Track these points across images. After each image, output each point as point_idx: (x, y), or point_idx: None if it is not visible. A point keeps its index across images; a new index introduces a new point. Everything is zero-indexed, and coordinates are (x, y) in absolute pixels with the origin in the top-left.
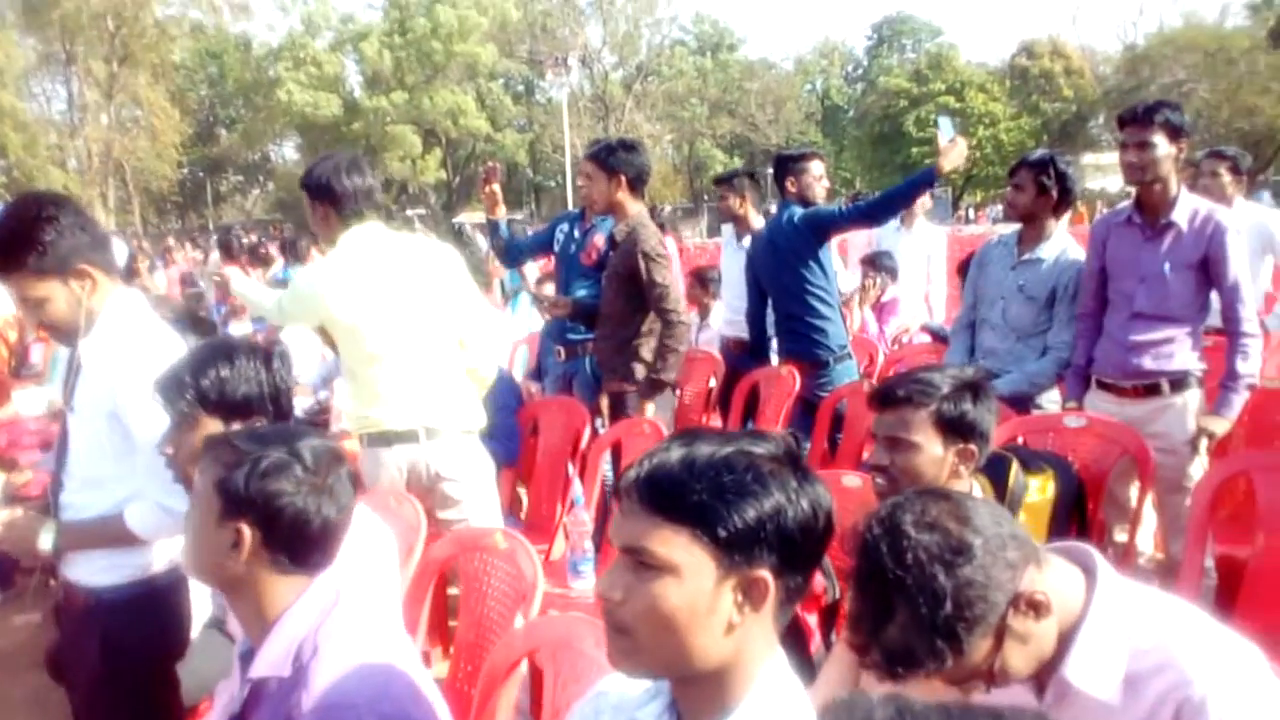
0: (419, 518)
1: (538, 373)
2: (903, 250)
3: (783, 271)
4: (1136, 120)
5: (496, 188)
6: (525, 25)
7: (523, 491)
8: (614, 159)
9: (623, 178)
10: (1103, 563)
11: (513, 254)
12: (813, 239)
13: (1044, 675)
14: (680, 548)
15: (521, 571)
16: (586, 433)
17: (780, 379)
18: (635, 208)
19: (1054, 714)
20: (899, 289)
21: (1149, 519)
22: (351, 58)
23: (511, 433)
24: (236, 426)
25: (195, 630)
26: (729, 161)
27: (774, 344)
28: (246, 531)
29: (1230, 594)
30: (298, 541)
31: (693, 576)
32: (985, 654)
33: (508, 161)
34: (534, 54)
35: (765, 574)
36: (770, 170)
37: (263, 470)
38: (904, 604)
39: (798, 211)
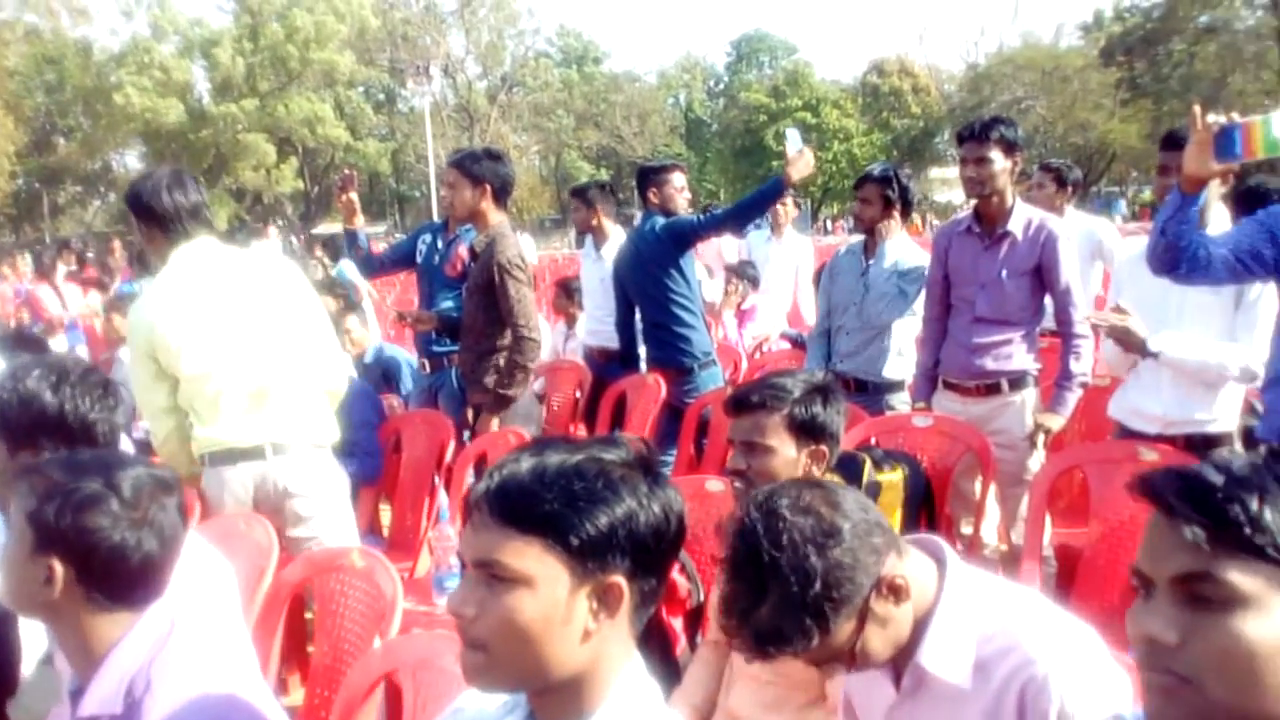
0: (270, 539)
1: (397, 386)
2: (773, 259)
3: (646, 280)
4: (974, 137)
5: (354, 196)
6: (385, 33)
7: (386, 508)
8: (478, 167)
9: (488, 187)
10: (952, 554)
11: (373, 265)
12: (674, 248)
13: (900, 662)
14: (533, 558)
15: (380, 590)
16: (451, 446)
17: (646, 387)
18: (497, 218)
19: (910, 700)
20: (760, 297)
21: (993, 512)
22: (200, 64)
23: (373, 449)
24: (24, 454)
25: (29, 666)
26: (596, 173)
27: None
28: (59, 567)
29: (1068, 579)
30: (115, 578)
31: (547, 587)
32: (848, 635)
33: (369, 171)
34: (395, 62)
35: (619, 579)
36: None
37: (75, 503)
38: (777, 584)
39: (659, 221)
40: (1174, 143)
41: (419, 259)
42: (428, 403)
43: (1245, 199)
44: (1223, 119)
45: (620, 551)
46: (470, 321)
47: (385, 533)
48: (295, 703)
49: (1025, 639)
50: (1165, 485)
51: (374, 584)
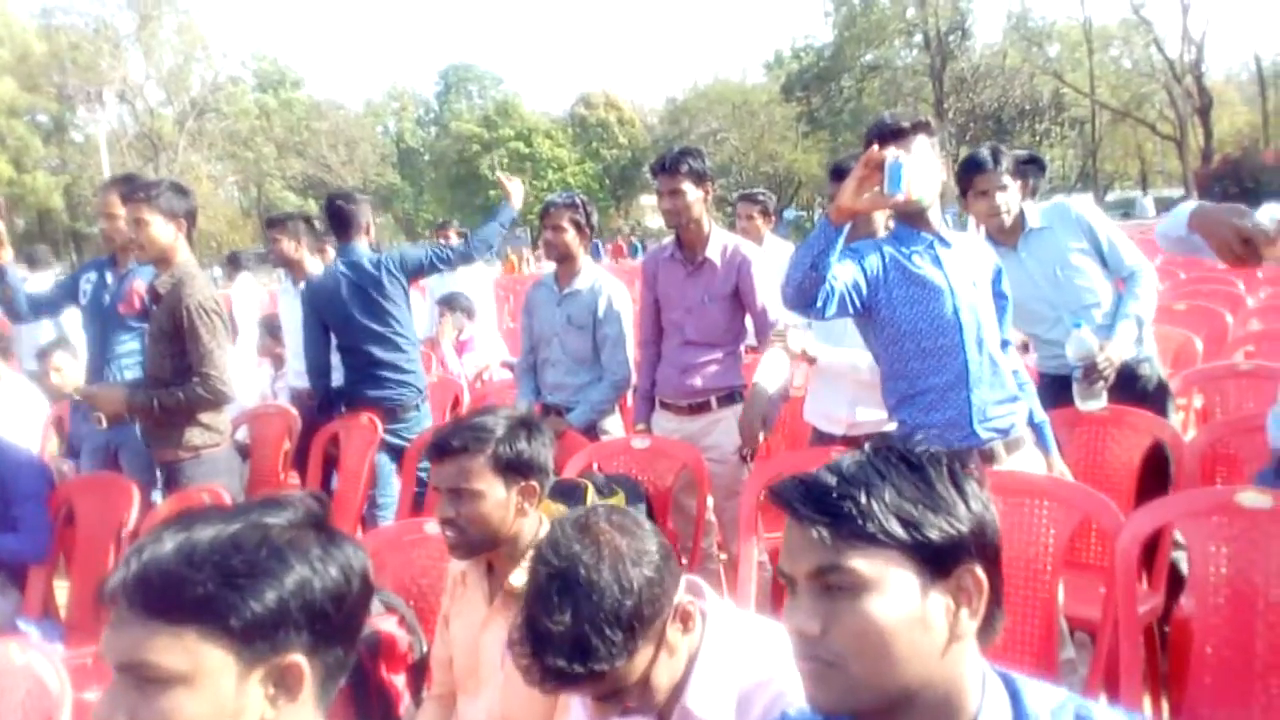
0: None
1: (72, 449)
2: (473, 288)
3: (368, 315)
4: (665, 170)
5: (0, 226)
6: (50, 57)
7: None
8: (174, 202)
9: (183, 223)
10: (711, 592)
11: (29, 306)
12: (403, 281)
13: (666, 709)
14: (187, 652)
15: (45, 687)
16: (134, 511)
17: (360, 428)
18: (184, 256)
19: None
20: (475, 327)
21: (714, 524)
22: None
23: (40, 523)
24: None
25: None
26: (303, 203)
27: None
28: None
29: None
30: None
31: (208, 681)
32: (645, 662)
33: (40, 208)
34: (63, 88)
35: (297, 657)
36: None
37: None
38: (594, 597)
39: (393, 254)
40: (840, 175)
41: (83, 299)
42: (106, 462)
43: None
44: (899, 152)
45: (294, 626)
46: (155, 371)
47: (63, 614)
48: None
49: (779, 671)
50: (791, 492)
51: (38, 681)
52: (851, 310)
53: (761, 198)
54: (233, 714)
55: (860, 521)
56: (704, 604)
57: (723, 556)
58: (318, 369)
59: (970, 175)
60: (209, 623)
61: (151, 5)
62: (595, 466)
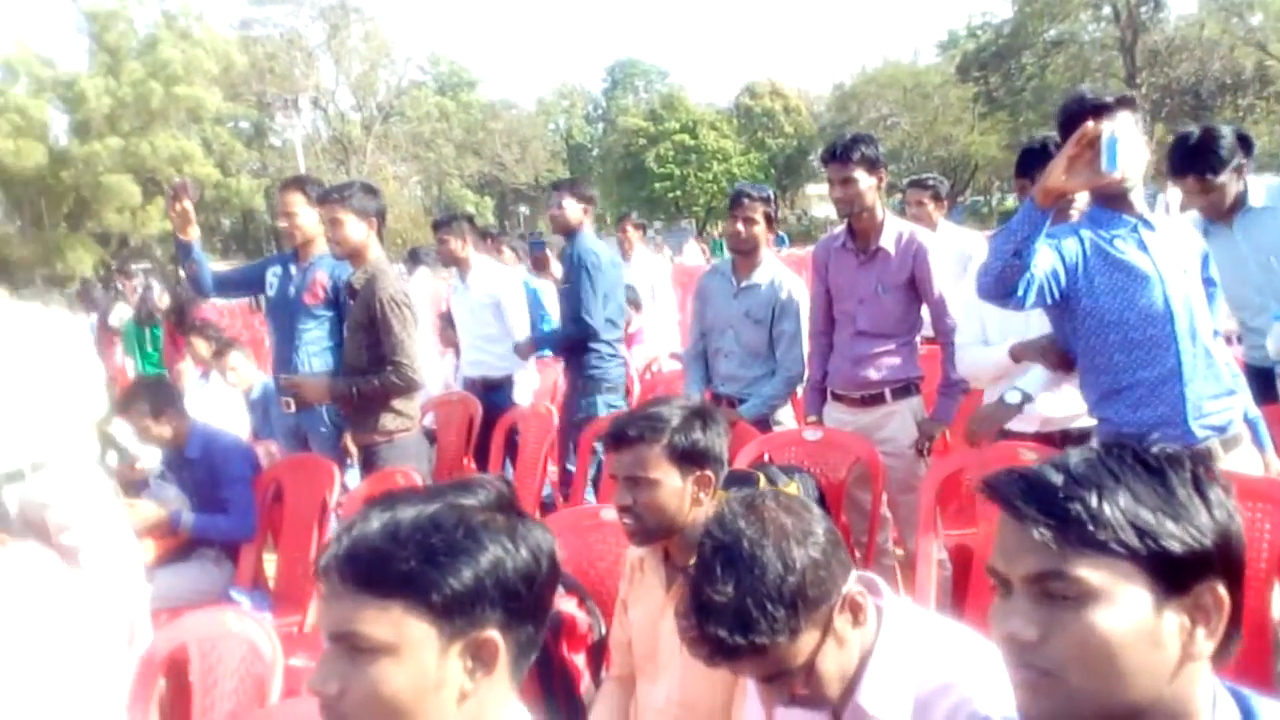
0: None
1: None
2: (649, 280)
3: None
4: (836, 158)
5: (188, 205)
6: (250, 67)
7: (271, 560)
8: (366, 202)
9: (374, 221)
10: (888, 590)
11: (214, 284)
12: None
13: (840, 705)
14: (394, 624)
15: (259, 653)
16: (336, 489)
17: (539, 417)
18: (376, 253)
19: None
20: (643, 319)
21: (889, 519)
22: (57, 105)
23: (246, 505)
24: None
25: None
26: (479, 201)
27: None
28: None
29: (966, 580)
30: None
31: (413, 652)
32: (811, 647)
33: (244, 208)
34: (262, 96)
35: (492, 633)
36: (524, 209)
37: None
38: (756, 571)
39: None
40: (1031, 157)
41: (270, 292)
42: (297, 444)
43: None
44: (1114, 126)
45: (489, 603)
46: (353, 361)
47: (272, 585)
48: None
49: (963, 676)
50: (1009, 488)
51: (252, 647)
52: (1050, 300)
53: (932, 182)
54: (435, 684)
55: (1090, 527)
56: (880, 601)
57: (898, 553)
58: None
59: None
60: (412, 597)
61: (340, 15)
62: (766, 457)
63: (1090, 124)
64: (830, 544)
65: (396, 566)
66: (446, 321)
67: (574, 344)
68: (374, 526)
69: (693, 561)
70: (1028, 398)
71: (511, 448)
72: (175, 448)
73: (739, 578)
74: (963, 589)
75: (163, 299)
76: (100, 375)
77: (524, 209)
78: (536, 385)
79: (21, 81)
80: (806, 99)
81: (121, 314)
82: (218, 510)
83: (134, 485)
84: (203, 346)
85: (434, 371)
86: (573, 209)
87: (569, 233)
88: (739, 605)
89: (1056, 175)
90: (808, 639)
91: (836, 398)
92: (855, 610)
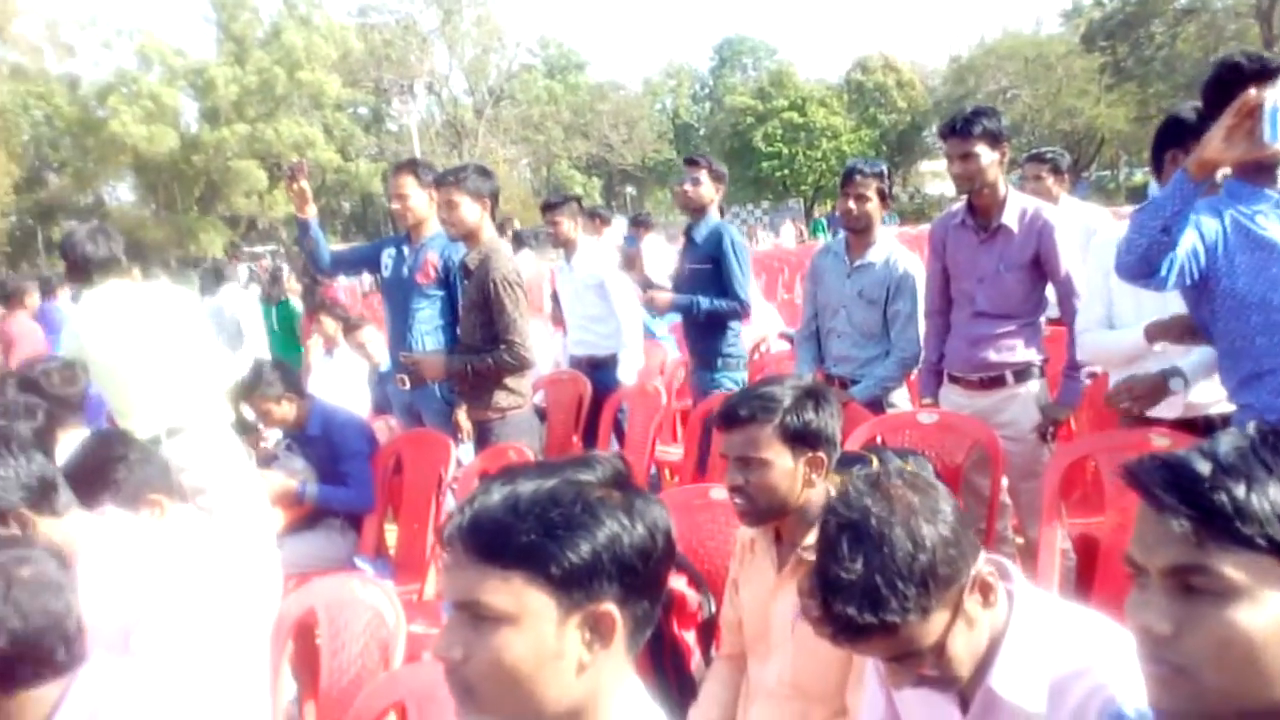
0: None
1: (379, 409)
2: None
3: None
4: (956, 133)
5: (305, 184)
6: (368, 54)
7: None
8: (480, 184)
9: (488, 202)
10: (1019, 573)
11: (331, 261)
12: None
13: (969, 687)
14: (515, 594)
15: (383, 618)
16: (452, 463)
17: (647, 395)
18: (489, 234)
19: None
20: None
21: (1008, 506)
22: (187, 92)
23: (365, 478)
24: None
25: None
26: (587, 182)
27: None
28: None
29: (1089, 570)
30: None
31: (533, 622)
32: (940, 627)
33: (362, 192)
34: (379, 82)
35: (610, 607)
36: (631, 189)
37: None
38: (885, 548)
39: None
40: (1177, 128)
41: (385, 273)
42: (412, 420)
43: None
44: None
45: (607, 577)
46: (468, 339)
47: (392, 554)
48: None
49: (1099, 662)
50: (1151, 475)
51: (377, 613)
52: (1189, 280)
53: (1051, 156)
54: (554, 654)
55: (1236, 520)
56: (1010, 585)
57: (1018, 541)
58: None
59: None
60: (532, 569)
61: (453, 0)
62: (879, 440)
63: (1252, 92)
64: (959, 523)
65: (517, 539)
66: (555, 301)
67: (717, 319)
68: (495, 499)
69: (813, 540)
70: (1188, 383)
71: (619, 427)
72: (296, 427)
73: (867, 555)
74: (1087, 580)
75: (290, 280)
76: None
77: (630, 189)
78: (641, 365)
79: (155, 70)
80: (921, 72)
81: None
82: (339, 483)
83: (264, 458)
84: (330, 324)
85: (544, 350)
86: (708, 187)
87: (700, 211)
88: (869, 583)
89: (1215, 146)
90: (938, 619)
91: (954, 380)
92: (985, 591)
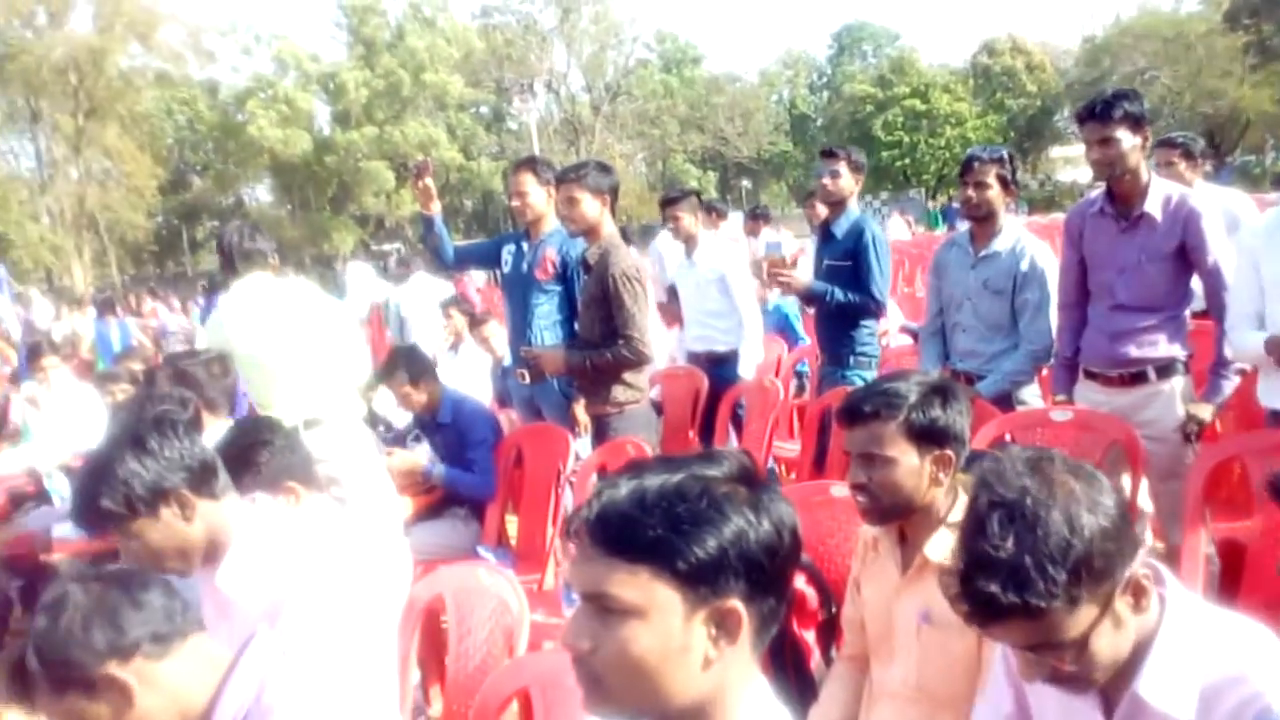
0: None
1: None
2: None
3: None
4: (1095, 117)
5: (430, 181)
6: (490, 54)
7: (512, 521)
8: (600, 180)
9: (608, 198)
10: (1171, 577)
11: (454, 254)
12: None
13: (1114, 691)
14: (641, 588)
15: (507, 606)
16: (571, 457)
17: (765, 391)
18: (609, 229)
19: None
20: None
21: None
22: (320, 96)
23: (488, 466)
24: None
25: None
26: (702, 176)
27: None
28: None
29: (1234, 577)
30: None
31: (660, 616)
32: (1088, 622)
33: (483, 190)
34: (500, 82)
35: (736, 603)
36: (746, 183)
37: None
38: (1038, 530)
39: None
40: None
41: (505, 269)
42: (531, 414)
43: None
44: None
45: (733, 574)
46: (587, 334)
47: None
48: (437, 715)
49: (1255, 670)
50: None
51: (501, 601)
52: None
53: (1182, 140)
54: (680, 648)
55: None
56: (1164, 590)
57: (1158, 546)
58: None
59: None
60: (659, 563)
61: None
62: (1009, 439)
63: None
64: (1121, 517)
65: (644, 533)
66: (671, 296)
67: (850, 313)
68: (622, 493)
69: (939, 559)
70: None
71: (736, 422)
72: (429, 413)
73: (1020, 535)
74: (1232, 587)
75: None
76: (362, 344)
77: (746, 182)
78: (761, 360)
79: (290, 75)
80: (1052, 54)
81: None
82: (464, 469)
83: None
84: (459, 319)
85: (658, 345)
86: (847, 179)
87: (840, 204)
88: (1017, 563)
89: None
90: (1085, 613)
91: (1090, 376)
92: (1139, 594)
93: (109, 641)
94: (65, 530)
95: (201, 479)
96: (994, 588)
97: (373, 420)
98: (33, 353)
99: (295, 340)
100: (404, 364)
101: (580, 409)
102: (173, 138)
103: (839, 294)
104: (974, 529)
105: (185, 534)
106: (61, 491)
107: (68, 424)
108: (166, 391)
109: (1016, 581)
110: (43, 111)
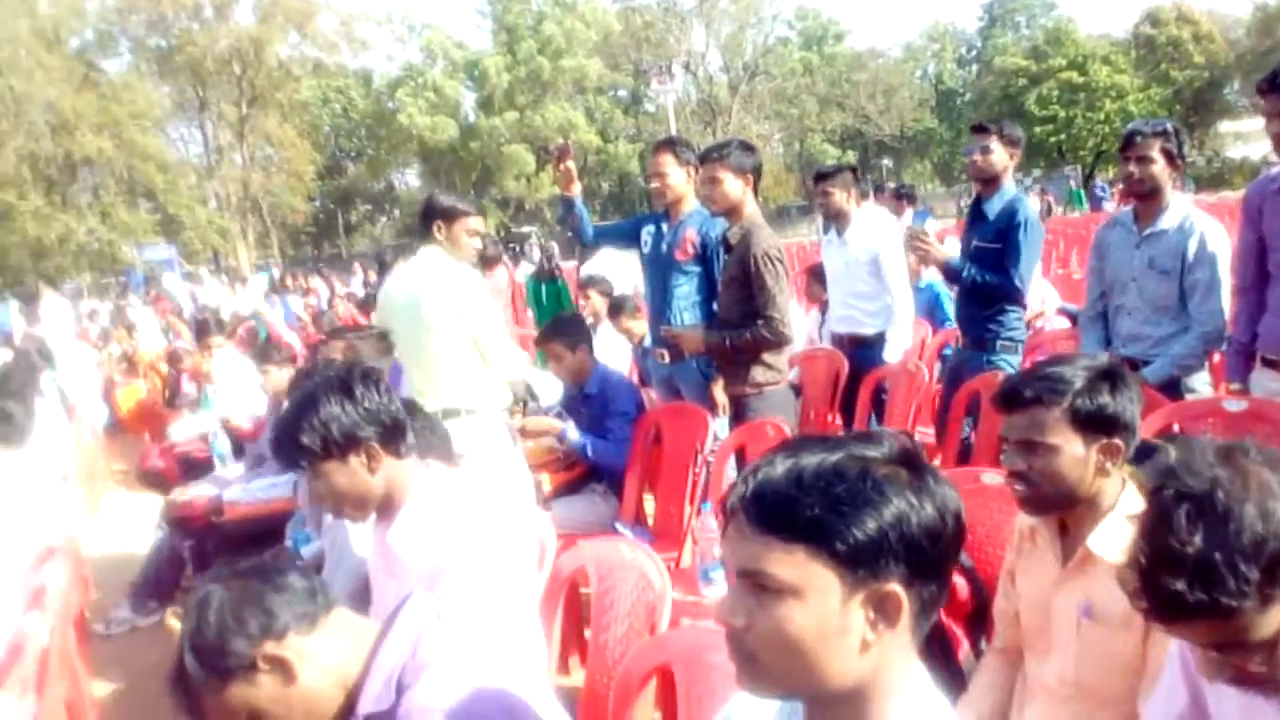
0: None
1: (641, 380)
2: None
3: None
4: (1277, 89)
5: (571, 164)
6: (628, 37)
7: (649, 500)
8: (744, 160)
9: (750, 178)
10: None
11: (593, 234)
12: None
13: None
14: (798, 567)
15: (650, 583)
16: (709, 437)
17: (908, 375)
18: (751, 209)
19: None
20: None
21: None
22: (465, 84)
23: (624, 436)
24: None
25: None
26: (841, 155)
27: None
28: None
29: None
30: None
31: (816, 596)
32: (1278, 624)
33: (620, 171)
34: (638, 64)
35: (895, 587)
36: (887, 161)
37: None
38: (1230, 524)
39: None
40: None
41: (645, 250)
42: (669, 393)
43: None
44: None
45: (893, 557)
46: (726, 314)
47: (650, 523)
48: (575, 683)
49: None
50: None
51: (643, 576)
52: None
53: None
54: (837, 631)
55: None
56: None
57: None
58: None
59: None
60: (816, 543)
61: None
62: (1177, 429)
63: None
64: None
65: (801, 512)
66: (813, 277)
67: (993, 296)
68: (779, 470)
69: (1102, 553)
70: None
71: (878, 406)
72: (579, 382)
73: (1209, 529)
74: None
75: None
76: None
77: (887, 161)
78: (909, 345)
79: (439, 64)
80: (1221, 23)
81: (524, 271)
82: (601, 436)
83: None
84: (598, 299)
85: (797, 326)
86: (1000, 155)
87: (993, 182)
88: (1206, 559)
89: None
90: (1278, 612)
91: (1269, 364)
92: None
93: (261, 625)
94: (234, 494)
95: (391, 435)
96: (1180, 585)
97: (528, 394)
98: (201, 329)
99: (450, 323)
100: (566, 329)
101: (719, 389)
102: (329, 125)
103: (975, 273)
104: (1158, 522)
105: (367, 484)
106: (223, 451)
107: (237, 394)
108: (322, 368)
109: (1205, 579)
110: (209, 100)
